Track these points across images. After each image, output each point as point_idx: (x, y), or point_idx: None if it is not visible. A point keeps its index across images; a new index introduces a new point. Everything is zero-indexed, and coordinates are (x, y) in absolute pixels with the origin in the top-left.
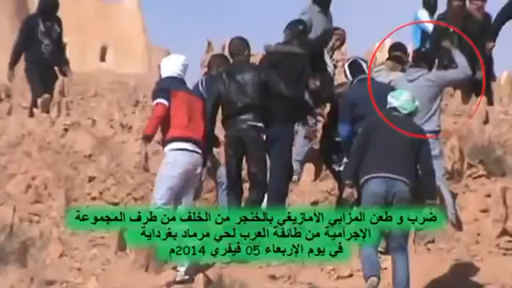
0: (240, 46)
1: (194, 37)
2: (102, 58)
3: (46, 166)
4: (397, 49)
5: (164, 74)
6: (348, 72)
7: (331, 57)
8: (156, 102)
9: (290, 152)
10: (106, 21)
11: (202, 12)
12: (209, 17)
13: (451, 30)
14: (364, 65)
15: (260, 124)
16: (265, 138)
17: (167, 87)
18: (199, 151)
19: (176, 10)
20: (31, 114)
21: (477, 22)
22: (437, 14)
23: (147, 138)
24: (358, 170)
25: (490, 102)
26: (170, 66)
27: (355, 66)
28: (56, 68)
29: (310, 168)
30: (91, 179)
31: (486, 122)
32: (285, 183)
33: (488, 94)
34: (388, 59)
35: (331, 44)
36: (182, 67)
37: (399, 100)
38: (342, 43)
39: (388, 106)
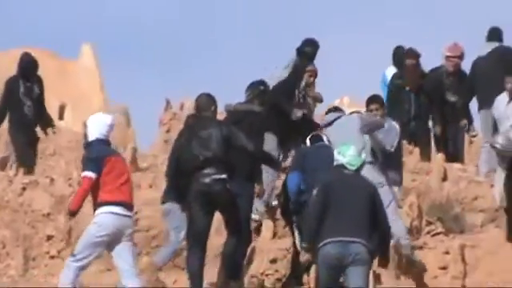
0: (207, 102)
1: (153, 94)
2: (61, 117)
3: (4, 224)
4: (373, 101)
5: (92, 136)
6: (308, 144)
7: (305, 95)
8: (84, 174)
9: (250, 208)
10: (65, 79)
11: (160, 70)
12: (167, 75)
13: (407, 88)
14: (324, 138)
15: (224, 176)
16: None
17: (96, 156)
18: (129, 214)
19: (134, 67)
20: (16, 173)
21: (433, 81)
22: (392, 73)
23: (72, 214)
24: (317, 233)
25: (459, 159)
26: (98, 128)
27: (315, 139)
28: (39, 127)
29: (269, 225)
30: (49, 238)
31: (445, 179)
32: (243, 243)
33: (456, 152)
34: (366, 111)
35: (304, 82)
36: (109, 128)
37: (346, 156)
38: (316, 77)
39: (335, 163)
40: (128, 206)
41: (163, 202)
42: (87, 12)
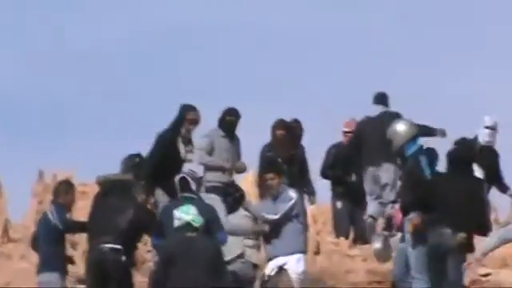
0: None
1: (25, 165)
2: None
3: None
4: (269, 170)
5: None
6: (178, 186)
7: (188, 143)
8: None
9: None
10: None
11: (32, 140)
12: (39, 146)
13: (280, 159)
14: (192, 183)
15: (119, 246)
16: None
17: None
18: None
19: (5, 137)
20: None
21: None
22: (262, 145)
23: None
24: None
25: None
26: None
27: (182, 184)
28: None
29: None
30: None
31: (318, 252)
32: None
33: (361, 231)
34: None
35: (184, 130)
36: None
37: (190, 214)
38: (197, 123)
39: (178, 223)
40: None
41: (39, 272)
42: None
